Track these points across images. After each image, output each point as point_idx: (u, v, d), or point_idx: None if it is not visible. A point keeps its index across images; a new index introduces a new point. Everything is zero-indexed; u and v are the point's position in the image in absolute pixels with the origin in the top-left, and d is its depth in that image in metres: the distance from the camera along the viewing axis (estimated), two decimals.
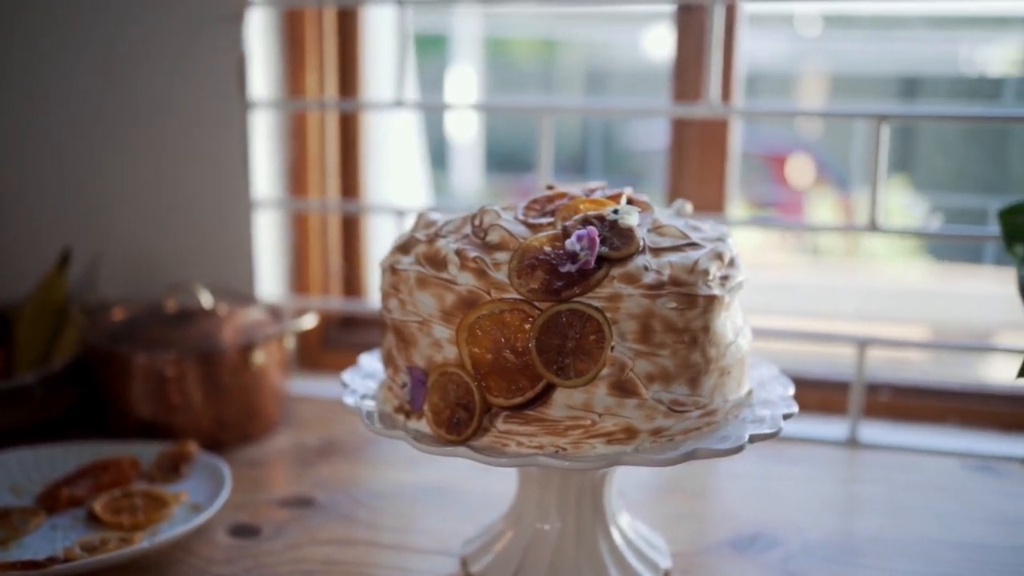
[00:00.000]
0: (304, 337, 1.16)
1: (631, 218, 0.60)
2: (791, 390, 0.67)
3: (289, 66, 1.13)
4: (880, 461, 0.92)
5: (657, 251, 0.60)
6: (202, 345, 0.92)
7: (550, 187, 0.68)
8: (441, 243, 0.61)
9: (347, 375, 0.70)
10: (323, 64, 1.15)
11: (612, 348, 0.56)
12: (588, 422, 0.57)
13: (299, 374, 1.15)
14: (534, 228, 0.61)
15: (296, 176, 1.16)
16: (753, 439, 0.59)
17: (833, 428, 0.98)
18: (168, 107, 1.07)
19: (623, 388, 0.57)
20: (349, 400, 0.65)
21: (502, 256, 0.58)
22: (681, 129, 1.09)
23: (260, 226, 1.09)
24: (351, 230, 1.22)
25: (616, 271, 0.57)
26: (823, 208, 4.11)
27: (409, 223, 1.06)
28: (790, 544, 0.75)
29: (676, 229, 0.62)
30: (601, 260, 0.57)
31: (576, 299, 0.56)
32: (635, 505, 0.80)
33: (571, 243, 0.57)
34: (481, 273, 0.58)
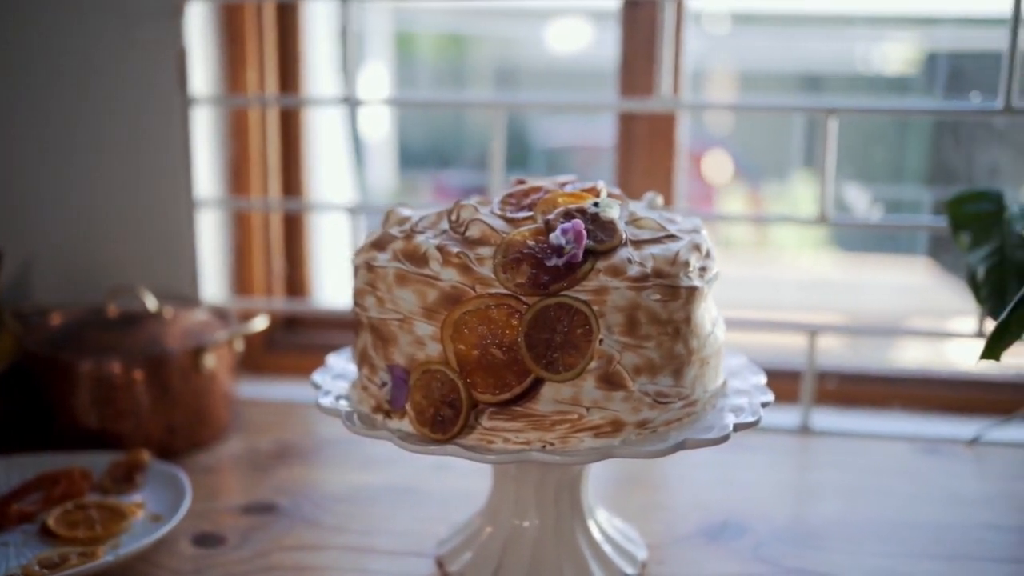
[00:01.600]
0: (247, 340, 1.13)
1: (612, 211, 0.60)
2: (763, 379, 0.68)
3: (229, 62, 1.10)
4: (833, 447, 0.95)
5: (638, 243, 0.60)
6: (149, 350, 0.89)
7: (521, 181, 0.67)
8: (420, 239, 0.60)
9: (318, 376, 0.69)
10: (263, 60, 1.12)
11: (600, 341, 0.56)
12: (575, 416, 0.57)
13: (243, 377, 1.12)
14: (513, 222, 0.60)
15: (237, 174, 1.13)
16: (737, 428, 0.59)
17: (786, 416, 1.00)
18: (105, 104, 1.03)
19: (610, 381, 0.57)
20: (325, 402, 0.63)
21: (485, 251, 0.57)
22: (629, 124, 1.09)
23: (202, 226, 1.06)
24: (293, 229, 1.19)
25: (601, 264, 0.57)
26: (735, 202, 4.20)
27: (361, 221, 1.05)
28: (759, 531, 0.76)
29: (654, 221, 0.62)
30: (586, 253, 0.56)
31: (563, 293, 0.56)
32: (602, 498, 0.80)
33: (556, 237, 0.56)
34: (465, 268, 0.57)
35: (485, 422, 0.58)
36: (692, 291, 0.60)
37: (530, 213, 0.61)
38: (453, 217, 0.62)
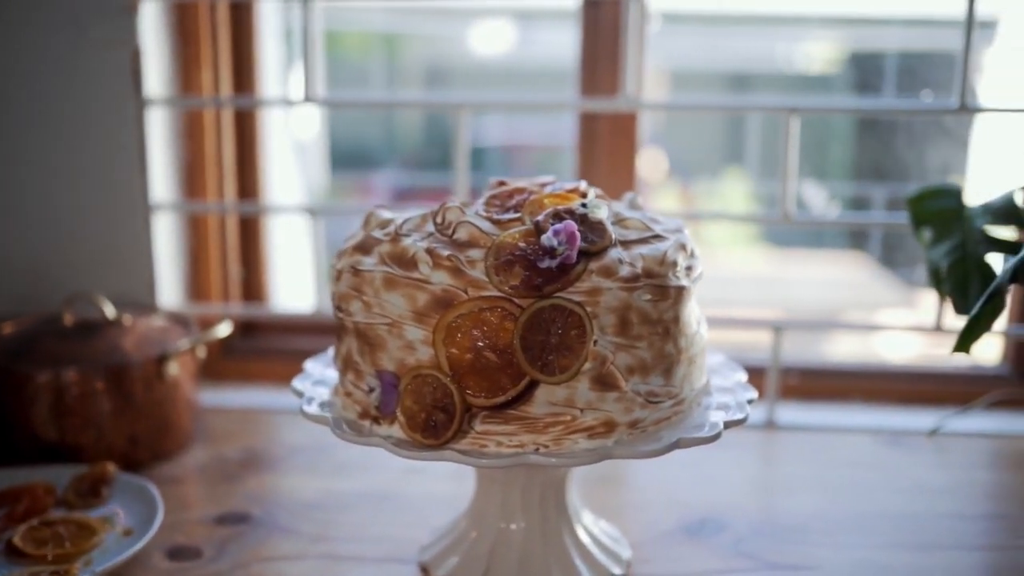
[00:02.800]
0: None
1: (600, 211, 0.60)
2: (743, 376, 0.69)
3: (182, 62, 1.07)
4: (799, 441, 0.96)
5: (625, 244, 0.60)
6: (110, 358, 0.86)
7: (501, 182, 0.67)
8: (407, 242, 0.59)
9: (299, 383, 0.67)
10: (217, 60, 1.09)
11: (595, 342, 0.56)
12: (568, 418, 0.57)
13: (203, 385, 1.09)
14: (500, 224, 0.60)
15: (191, 177, 1.10)
16: (728, 425, 0.60)
17: (751, 412, 1.01)
18: (56, 106, 1.00)
19: (604, 382, 0.57)
20: (310, 409, 0.62)
21: (475, 254, 0.57)
22: (591, 123, 1.09)
23: (157, 231, 1.03)
24: (250, 233, 1.17)
25: (593, 265, 0.56)
26: (668, 199, 4.26)
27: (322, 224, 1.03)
28: (738, 527, 0.77)
29: (639, 221, 0.63)
30: (579, 255, 0.56)
31: (557, 294, 0.55)
32: (580, 498, 0.80)
33: (547, 238, 0.56)
34: (456, 271, 0.56)
35: (477, 426, 0.57)
36: (680, 291, 0.60)
37: (516, 215, 0.61)
38: (439, 219, 0.61)
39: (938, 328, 0.98)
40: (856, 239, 3.69)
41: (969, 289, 0.81)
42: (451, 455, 0.56)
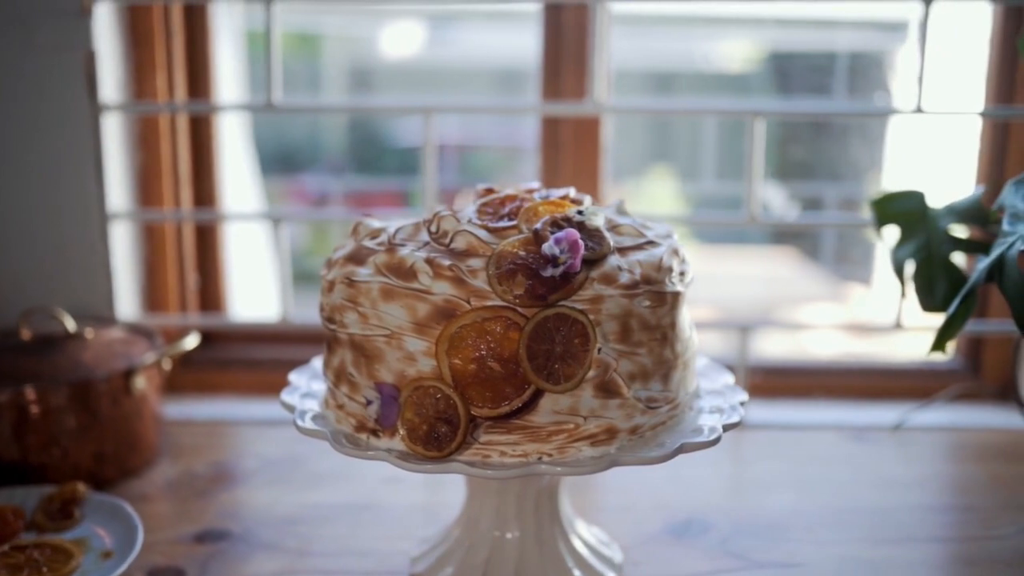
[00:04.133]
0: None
1: (597, 219, 0.60)
2: (731, 378, 0.70)
3: (135, 66, 1.04)
4: (767, 439, 0.98)
5: (622, 250, 0.60)
6: (74, 374, 0.83)
7: (489, 190, 0.66)
8: (404, 252, 0.58)
9: (287, 397, 0.66)
10: (172, 64, 1.06)
11: (599, 350, 0.56)
12: (572, 426, 0.57)
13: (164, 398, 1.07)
14: (496, 233, 0.60)
15: (146, 185, 1.07)
16: (726, 428, 0.61)
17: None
18: (5, 112, 0.96)
19: (607, 389, 0.57)
20: (305, 424, 0.61)
21: (476, 263, 0.56)
22: (554, 127, 1.09)
23: (114, 240, 1.00)
24: (207, 241, 1.14)
25: (594, 273, 0.57)
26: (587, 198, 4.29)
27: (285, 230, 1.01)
28: (721, 526, 0.78)
29: (632, 228, 0.63)
30: (581, 262, 0.56)
31: (561, 303, 0.55)
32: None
33: (549, 247, 0.56)
34: (458, 281, 0.56)
35: (480, 436, 0.57)
36: (676, 296, 0.60)
37: (511, 223, 0.61)
38: (433, 228, 0.60)
39: (898, 326, 1.00)
40: (782, 235, 3.77)
41: (935, 288, 0.83)
42: (458, 467, 0.55)
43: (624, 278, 0.57)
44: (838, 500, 0.83)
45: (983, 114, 1.03)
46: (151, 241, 1.08)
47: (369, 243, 0.62)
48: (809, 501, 0.83)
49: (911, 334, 1.02)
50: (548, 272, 0.55)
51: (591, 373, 0.56)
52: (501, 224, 0.61)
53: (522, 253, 0.56)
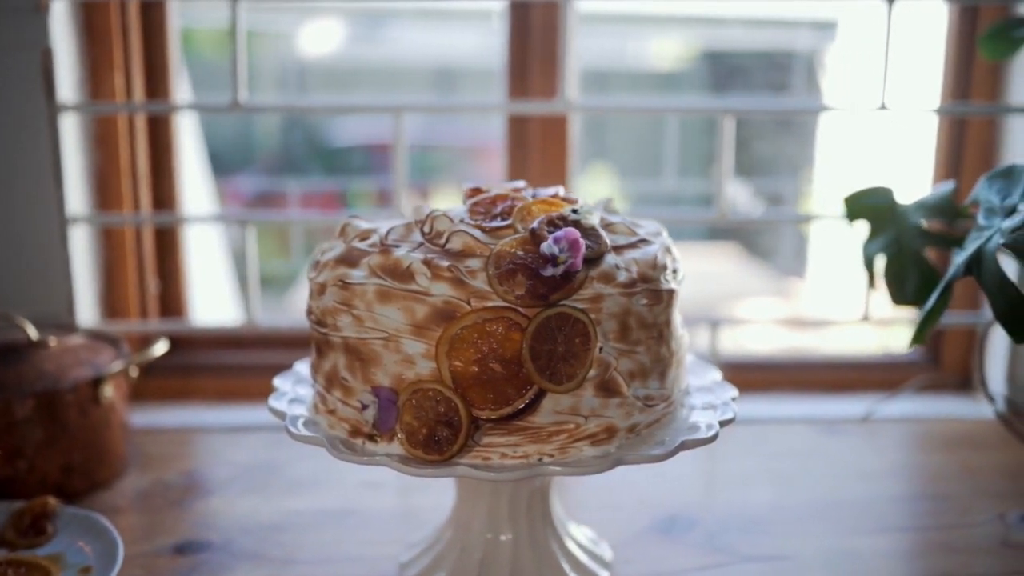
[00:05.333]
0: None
1: (592, 218, 0.60)
2: (718, 374, 0.70)
3: (92, 65, 1.01)
4: (741, 434, 0.99)
5: (617, 249, 0.60)
6: (40, 383, 0.80)
7: (476, 190, 0.66)
8: (399, 253, 0.57)
9: (276, 403, 0.64)
10: (129, 62, 1.03)
11: (600, 349, 0.56)
12: (572, 426, 0.56)
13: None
14: (490, 232, 0.59)
15: (104, 187, 1.04)
16: (723, 424, 0.61)
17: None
18: None
19: (607, 388, 0.57)
20: (298, 431, 0.59)
21: (474, 263, 0.56)
22: (521, 125, 1.09)
23: (73, 244, 0.97)
24: (167, 244, 1.11)
25: (593, 271, 0.56)
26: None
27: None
28: (707, 522, 0.78)
29: (624, 226, 0.63)
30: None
31: (562, 302, 0.55)
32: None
33: (548, 246, 0.55)
34: (458, 282, 0.55)
35: (480, 438, 0.56)
36: (671, 294, 0.61)
37: (504, 222, 0.60)
38: (426, 229, 0.60)
39: (866, 318, 1.02)
40: (723, 231, 3.82)
41: (906, 282, 0.85)
42: (463, 470, 0.54)
43: (622, 277, 0.57)
44: (817, 493, 0.84)
45: (939, 111, 1.05)
46: (110, 245, 1.05)
47: (360, 244, 0.61)
48: (789, 495, 0.84)
49: (873, 327, 1.04)
50: (548, 272, 0.55)
51: (592, 372, 0.56)
52: (495, 224, 0.60)
53: (520, 253, 0.56)
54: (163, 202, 1.09)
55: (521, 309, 0.54)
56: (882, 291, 0.88)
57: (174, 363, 1.10)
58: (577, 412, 0.56)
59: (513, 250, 0.56)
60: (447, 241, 0.58)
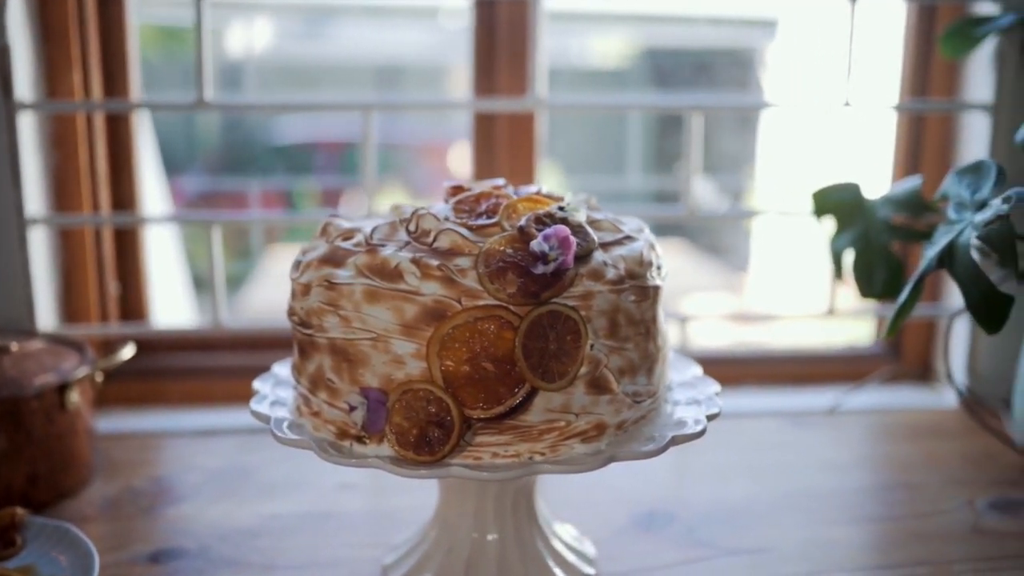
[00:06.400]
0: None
1: (579, 215, 0.60)
2: (699, 370, 0.71)
3: (48, 62, 0.98)
4: (711, 428, 0.98)
5: (604, 246, 0.60)
6: (4, 390, 0.77)
7: (458, 187, 0.65)
8: (387, 252, 0.57)
9: (258, 406, 0.63)
10: (87, 60, 1.01)
11: (591, 346, 0.56)
12: (563, 423, 0.56)
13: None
14: (477, 231, 0.59)
15: (62, 188, 1.01)
16: (709, 419, 0.61)
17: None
18: None
19: (598, 385, 0.57)
20: (284, 434, 0.58)
21: (463, 262, 0.55)
22: (488, 123, 1.09)
23: (32, 247, 0.94)
24: (127, 246, 1.08)
25: (582, 269, 0.56)
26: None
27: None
28: (685, 516, 0.79)
29: (609, 223, 0.63)
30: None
31: (553, 300, 0.55)
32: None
33: (538, 244, 0.55)
34: (448, 281, 0.54)
35: (470, 438, 0.56)
36: (656, 290, 0.61)
37: (490, 220, 0.60)
38: (412, 227, 0.59)
39: (831, 312, 1.04)
40: (671, 227, 3.86)
41: (874, 275, 0.87)
42: (457, 471, 0.54)
43: (611, 274, 0.57)
44: (791, 485, 0.85)
45: (898, 108, 1.07)
46: (69, 247, 1.03)
47: (344, 244, 0.60)
48: (763, 487, 0.85)
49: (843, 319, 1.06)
50: (539, 269, 0.54)
51: (583, 370, 0.56)
52: (481, 222, 0.60)
53: (510, 251, 0.56)
54: (123, 203, 1.07)
55: (513, 307, 0.54)
56: (850, 285, 0.90)
57: (136, 367, 1.08)
58: (568, 410, 0.56)
59: (502, 248, 0.56)
60: (435, 240, 0.57)
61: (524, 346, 0.54)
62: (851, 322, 1.18)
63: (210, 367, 1.07)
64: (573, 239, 0.55)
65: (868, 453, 0.93)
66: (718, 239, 4.06)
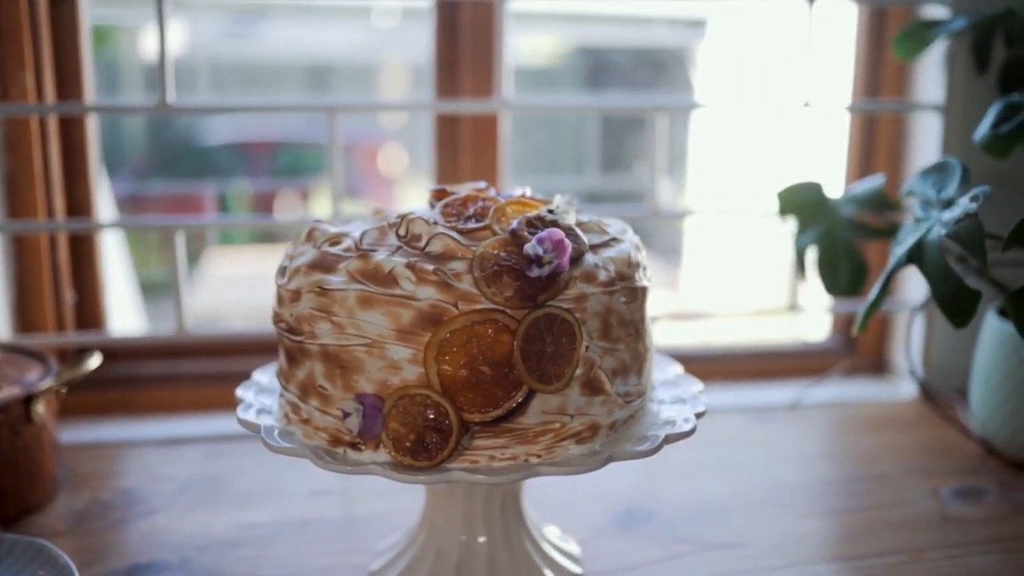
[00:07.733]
0: None
1: (569, 217, 0.60)
2: (680, 368, 0.72)
3: (1, 64, 0.95)
4: None
5: (593, 248, 0.60)
6: None
7: (441, 192, 0.65)
8: (379, 257, 0.57)
9: (244, 414, 0.62)
10: (39, 62, 0.98)
11: (586, 348, 0.56)
12: (558, 425, 0.57)
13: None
14: (468, 235, 0.59)
15: (16, 194, 0.98)
16: (698, 416, 0.62)
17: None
18: None
19: (592, 386, 0.57)
20: (276, 443, 0.58)
21: (457, 266, 0.55)
22: (451, 124, 1.09)
23: None
24: (83, 253, 1.06)
25: (576, 271, 0.57)
26: (414, 195, 4.28)
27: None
28: (665, 513, 0.80)
29: (595, 225, 0.63)
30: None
31: (549, 303, 0.55)
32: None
33: (532, 247, 0.55)
34: (444, 286, 0.54)
35: (466, 442, 0.56)
36: (644, 291, 0.62)
37: (479, 224, 0.60)
38: (402, 232, 0.59)
39: (793, 307, 1.06)
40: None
41: (839, 272, 0.89)
42: (457, 475, 0.54)
43: (602, 276, 0.58)
44: (761, 479, 0.87)
45: (852, 108, 1.10)
46: (23, 254, 1.00)
47: (333, 249, 0.59)
48: (735, 482, 0.86)
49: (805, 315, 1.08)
50: (534, 272, 0.55)
51: (578, 371, 0.56)
52: (470, 225, 0.60)
53: (504, 254, 0.56)
54: (78, 209, 1.04)
55: (509, 311, 0.54)
56: (813, 282, 0.92)
57: (95, 376, 1.05)
58: (564, 411, 0.56)
59: (496, 252, 0.56)
60: (427, 244, 0.57)
61: (522, 349, 0.54)
62: (800, 317, 1.21)
63: (173, 374, 1.05)
64: (568, 242, 0.56)
65: (832, 446, 0.96)
66: (650, 238, 4.12)
